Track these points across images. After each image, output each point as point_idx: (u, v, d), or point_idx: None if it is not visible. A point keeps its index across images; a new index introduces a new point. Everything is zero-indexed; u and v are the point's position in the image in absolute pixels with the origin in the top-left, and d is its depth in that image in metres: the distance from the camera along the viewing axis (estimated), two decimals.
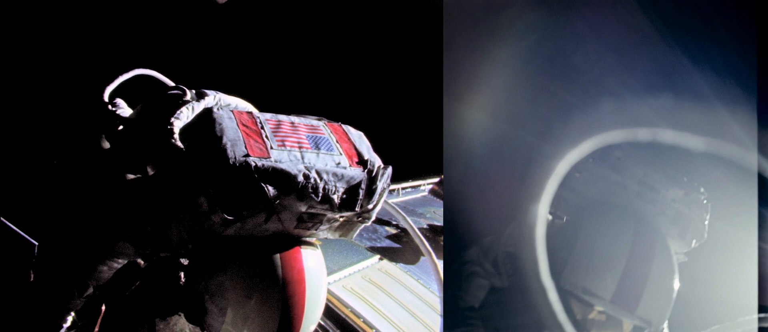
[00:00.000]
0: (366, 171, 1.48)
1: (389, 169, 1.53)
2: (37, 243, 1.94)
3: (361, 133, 1.65)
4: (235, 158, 1.35)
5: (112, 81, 1.95)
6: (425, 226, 4.13)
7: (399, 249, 3.74)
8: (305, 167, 1.40)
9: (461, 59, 2.12)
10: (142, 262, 1.90)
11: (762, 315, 1.81)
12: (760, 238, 1.93)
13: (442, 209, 4.50)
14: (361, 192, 1.47)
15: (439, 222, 4.34)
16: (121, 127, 1.85)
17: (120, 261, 1.67)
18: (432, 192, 5.49)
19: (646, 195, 1.99)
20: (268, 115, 1.59)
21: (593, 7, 2.00)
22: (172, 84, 1.97)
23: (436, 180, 5.58)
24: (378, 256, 3.48)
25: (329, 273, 3.09)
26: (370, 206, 1.50)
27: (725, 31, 1.85)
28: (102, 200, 1.69)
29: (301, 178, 1.38)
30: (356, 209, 1.48)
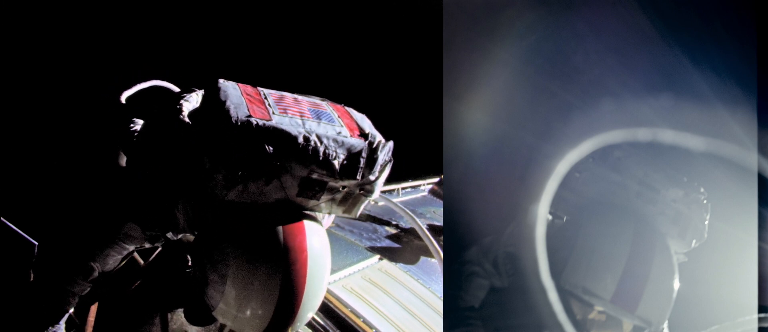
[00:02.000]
0: (367, 142, 1.50)
1: (390, 143, 1.55)
2: (37, 243, 1.94)
3: (365, 115, 1.68)
4: (237, 117, 1.40)
5: (125, 86, 1.98)
6: (425, 226, 4.13)
7: (399, 249, 3.74)
8: (306, 131, 1.44)
9: (461, 59, 2.12)
10: (142, 262, 1.90)
11: (762, 315, 1.81)
12: (760, 238, 1.93)
13: (442, 209, 4.51)
14: (362, 161, 1.49)
15: (439, 222, 4.34)
16: (136, 137, 1.86)
17: (126, 245, 1.68)
18: (432, 192, 5.48)
19: (646, 195, 1.99)
20: (272, 90, 1.65)
21: (593, 7, 2.00)
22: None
23: (436, 180, 5.58)
24: (378, 256, 3.47)
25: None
26: (372, 177, 1.52)
27: (725, 31, 1.85)
28: (110, 186, 1.72)
29: (301, 140, 1.42)
30: (357, 177, 1.49)
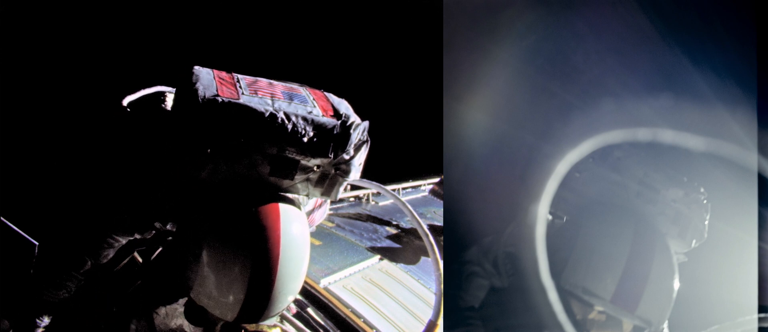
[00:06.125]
0: (340, 121, 1.48)
1: (365, 123, 1.53)
2: (37, 243, 1.95)
3: (344, 100, 1.66)
4: (203, 96, 1.41)
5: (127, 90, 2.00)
6: (425, 226, 4.13)
7: (399, 249, 3.75)
8: (274, 109, 1.44)
9: (461, 59, 2.12)
10: (140, 259, 1.90)
11: (762, 315, 1.81)
12: (760, 238, 1.93)
13: (442, 209, 4.51)
14: (333, 139, 1.47)
15: (439, 222, 4.34)
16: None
17: (117, 237, 1.69)
18: (432, 192, 5.48)
19: (646, 195, 1.99)
20: (249, 76, 1.65)
21: (593, 7, 2.00)
22: None
23: (436, 180, 5.58)
24: (378, 256, 3.48)
25: (329, 273, 3.09)
26: (346, 156, 1.50)
27: (725, 31, 1.86)
28: (100, 179, 1.74)
29: (267, 117, 1.41)
30: (329, 156, 1.47)
